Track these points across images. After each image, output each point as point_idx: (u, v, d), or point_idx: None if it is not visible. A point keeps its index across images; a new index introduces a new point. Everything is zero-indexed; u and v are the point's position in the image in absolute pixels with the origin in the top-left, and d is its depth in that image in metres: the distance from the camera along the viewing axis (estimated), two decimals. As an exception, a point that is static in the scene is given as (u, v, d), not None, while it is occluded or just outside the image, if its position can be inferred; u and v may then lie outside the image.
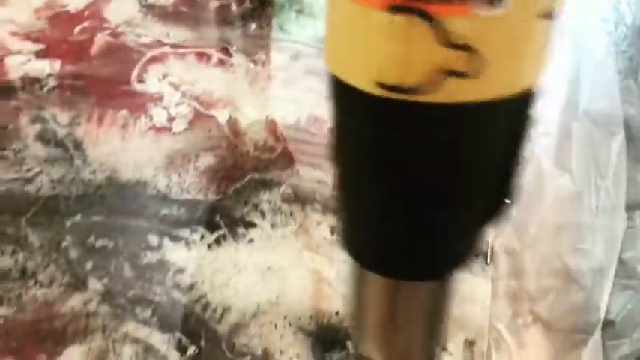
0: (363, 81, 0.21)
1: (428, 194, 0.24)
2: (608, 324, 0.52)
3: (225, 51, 0.56)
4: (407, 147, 0.23)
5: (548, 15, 0.21)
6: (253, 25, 0.57)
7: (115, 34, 0.56)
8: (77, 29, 0.56)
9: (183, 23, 0.57)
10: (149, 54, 0.55)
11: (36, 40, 0.55)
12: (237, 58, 0.56)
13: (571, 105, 0.70)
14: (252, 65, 0.56)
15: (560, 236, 0.55)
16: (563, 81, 0.69)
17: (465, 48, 0.19)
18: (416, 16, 0.19)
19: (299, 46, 0.56)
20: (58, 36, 0.55)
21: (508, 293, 0.54)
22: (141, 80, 0.54)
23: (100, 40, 0.56)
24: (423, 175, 0.23)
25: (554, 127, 0.72)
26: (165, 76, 0.54)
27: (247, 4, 0.59)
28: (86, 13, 0.57)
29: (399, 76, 0.20)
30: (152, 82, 0.54)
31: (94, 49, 0.55)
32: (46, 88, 0.53)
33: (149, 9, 0.58)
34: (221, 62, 0.56)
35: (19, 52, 0.54)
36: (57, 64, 0.54)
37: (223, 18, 0.58)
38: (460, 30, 0.19)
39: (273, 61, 0.56)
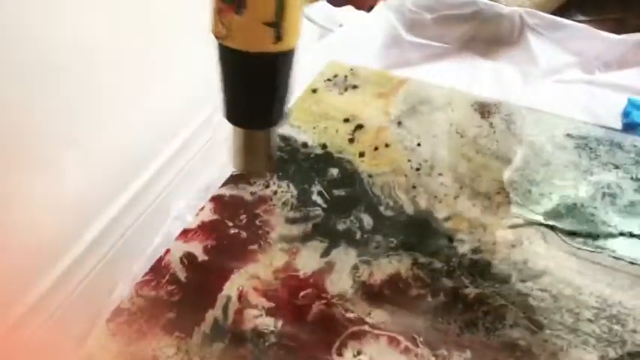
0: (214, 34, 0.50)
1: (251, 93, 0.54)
2: None
3: (413, 340, 0.66)
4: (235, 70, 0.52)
5: (270, 24, 0.47)
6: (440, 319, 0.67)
7: (328, 304, 0.69)
8: (302, 293, 0.70)
9: (384, 306, 0.69)
10: (350, 329, 0.67)
11: (269, 298, 0.70)
12: (422, 350, 0.65)
13: None
14: (433, 359, 0.64)
15: None
16: None
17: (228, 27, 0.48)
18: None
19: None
20: (286, 297, 0.70)
21: None
22: (339, 354, 0.65)
23: (316, 307, 0.69)
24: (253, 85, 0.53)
25: None
26: (359, 352, 0.65)
27: (441, 298, 0.68)
28: (311, 280, 0.72)
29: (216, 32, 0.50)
30: (348, 356, 0.65)
31: (310, 315, 0.68)
32: (267, 344, 0.67)
33: (360, 285, 0.70)
34: (407, 350, 0.65)
35: (255, 306, 0.70)
36: (279, 323, 0.68)
37: (419, 307, 0.68)
38: (226, 21, 0.48)
39: None
